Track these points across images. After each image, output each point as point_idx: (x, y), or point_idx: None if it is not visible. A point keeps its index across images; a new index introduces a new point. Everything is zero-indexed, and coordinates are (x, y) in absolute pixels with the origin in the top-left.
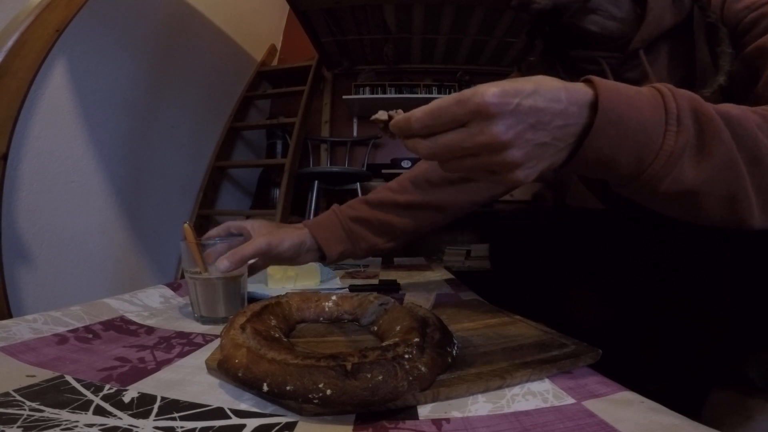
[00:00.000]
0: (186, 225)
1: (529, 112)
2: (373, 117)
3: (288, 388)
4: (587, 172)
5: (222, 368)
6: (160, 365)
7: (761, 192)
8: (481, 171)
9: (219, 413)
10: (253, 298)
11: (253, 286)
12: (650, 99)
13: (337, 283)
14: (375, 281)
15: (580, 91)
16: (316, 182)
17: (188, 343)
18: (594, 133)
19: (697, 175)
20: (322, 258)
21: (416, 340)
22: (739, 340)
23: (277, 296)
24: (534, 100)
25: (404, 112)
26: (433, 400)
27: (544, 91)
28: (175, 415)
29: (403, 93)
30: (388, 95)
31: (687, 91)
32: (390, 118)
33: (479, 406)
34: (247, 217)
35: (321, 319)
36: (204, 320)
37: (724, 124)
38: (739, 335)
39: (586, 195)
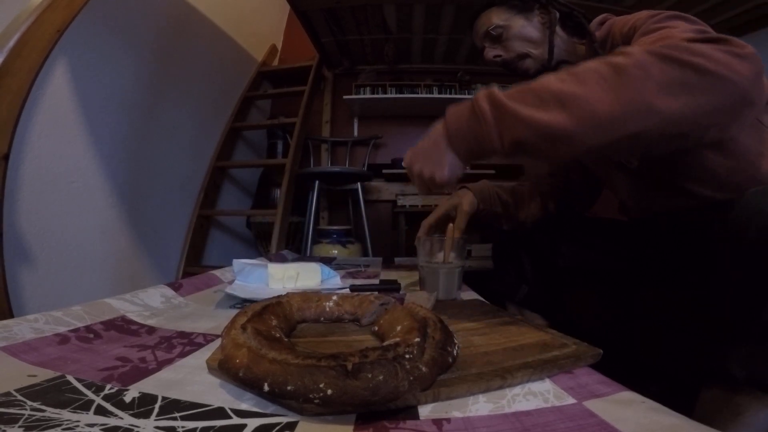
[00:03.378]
0: (451, 225)
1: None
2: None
3: (289, 387)
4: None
5: (223, 368)
6: (161, 365)
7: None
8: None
9: (220, 413)
10: (253, 300)
11: (253, 286)
12: (466, 105)
13: (337, 282)
14: (376, 281)
15: (438, 126)
16: (317, 182)
17: (189, 343)
18: (445, 134)
19: (512, 132)
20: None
21: (417, 340)
22: (720, 337)
23: (278, 296)
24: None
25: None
26: (434, 400)
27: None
28: (176, 414)
29: (403, 93)
30: (388, 95)
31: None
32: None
33: (480, 406)
34: (248, 217)
35: (322, 319)
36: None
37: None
38: (720, 332)
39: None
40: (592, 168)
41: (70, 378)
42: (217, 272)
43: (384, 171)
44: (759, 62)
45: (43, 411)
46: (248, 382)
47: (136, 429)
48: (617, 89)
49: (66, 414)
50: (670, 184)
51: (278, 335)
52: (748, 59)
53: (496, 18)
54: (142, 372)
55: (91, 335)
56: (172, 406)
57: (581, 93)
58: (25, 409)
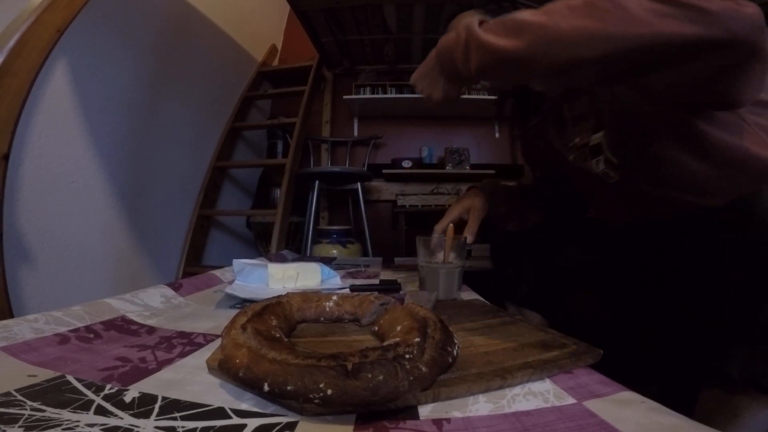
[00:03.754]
0: (451, 225)
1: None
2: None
3: (289, 387)
4: (456, 78)
5: (223, 368)
6: (161, 365)
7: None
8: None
9: (220, 413)
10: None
11: (253, 286)
12: (454, 32)
13: (337, 282)
14: (376, 281)
15: (434, 50)
16: (317, 182)
17: (189, 343)
18: (436, 59)
19: (477, 58)
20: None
21: (417, 340)
22: (720, 337)
23: (278, 296)
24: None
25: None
26: (434, 400)
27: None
28: (176, 414)
29: (403, 93)
30: (388, 95)
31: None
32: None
33: (480, 406)
34: (248, 217)
35: (322, 319)
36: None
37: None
38: (720, 332)
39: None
40: (573, 179)
41: (70, 378)
42: (217, 272)
43: (384, 171)
44: (762, 15)
45: (43, 411)
46: (248, 382)
47: (136, 429)
48: (577, 18)
49: (66, 414)
50: (651, 193)
51: (278, 335)
52: (752, 6)
53: None
54: (142, 372)
55: (91, 335)
56: (172, 406)
57: (542, 21)
58: (25, 409)
